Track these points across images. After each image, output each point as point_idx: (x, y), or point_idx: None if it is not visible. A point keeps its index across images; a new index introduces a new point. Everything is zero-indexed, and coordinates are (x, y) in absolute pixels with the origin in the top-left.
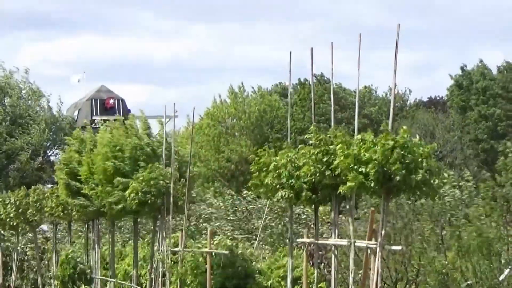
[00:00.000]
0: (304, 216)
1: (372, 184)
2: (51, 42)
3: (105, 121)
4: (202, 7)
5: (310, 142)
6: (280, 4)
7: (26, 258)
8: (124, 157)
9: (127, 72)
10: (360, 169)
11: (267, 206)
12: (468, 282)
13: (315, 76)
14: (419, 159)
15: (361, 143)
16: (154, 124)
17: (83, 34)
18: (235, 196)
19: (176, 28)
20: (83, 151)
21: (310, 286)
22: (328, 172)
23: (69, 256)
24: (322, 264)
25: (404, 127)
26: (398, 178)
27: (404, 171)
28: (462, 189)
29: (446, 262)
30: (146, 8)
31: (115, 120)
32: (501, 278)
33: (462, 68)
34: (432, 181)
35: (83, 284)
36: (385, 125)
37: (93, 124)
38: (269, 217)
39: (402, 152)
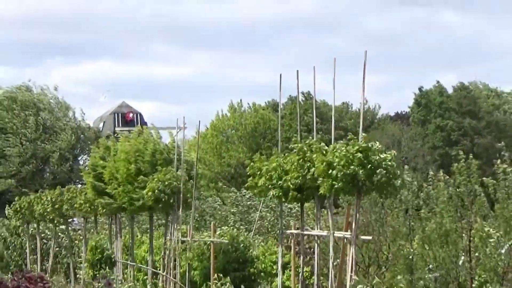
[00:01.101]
0: (295, 211)
1: (341, 185)
2: (76, 66)
3: (128, 131)
4: (203, 37)
5: (294, 150)
6: (269, 35)
7: (60, 246)
8: (144, 161)
9: (141, 90)
10: (330, 174)
11: (261, 203)
12: (430, 266)
13: (302, 94)
14: (378, 163)
15: (334, 151)
16: (164, 134)
17: (102, 59)
18: (237, 193)
19: (180, 54)
20: (106, 157)
21: (297, 270)
22: (309, 176)
23: (97, 243)
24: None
25: (364, 134)
26: (360, 178)
27: (365, 173)
28: (428, 188)
29: (412, 250)
30: (155, 37)
31: (129, 131)
32: (460, 262)
33: (419, 89)
34: (392, 182)
35: (107, 267)
36: (351, 135)
37: (115, 134)
38: (265, 210)
39: (361, 156)
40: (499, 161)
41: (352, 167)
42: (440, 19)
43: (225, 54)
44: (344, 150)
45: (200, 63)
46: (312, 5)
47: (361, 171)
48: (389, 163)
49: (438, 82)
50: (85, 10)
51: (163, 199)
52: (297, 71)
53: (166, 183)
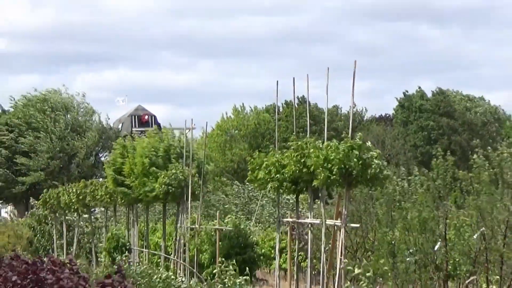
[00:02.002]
0: (292, 201)
1: (337, 178)
2: (97, 74)
3: (141, 132)
4: (208, 48)
5: (292, 147)
6: (267, 46)
7: (83, 233)
8: (158, 156)
9: (155, 95)
10: (327, 167)
11: (261, 194)
12: (410, 251)
13: (298, 98)
14: (371, 159)
15: (328, 148)
16: (175, 133)
17: (120, 68)
18: (240, 186)
19: (189, 63)
20: (125, 154)
21: (293, 253)
22: (305, 170)
23: (114, 233)
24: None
25: (360, 133)
26: (355, 172)
27: (360, 167)
28: (410, 182)
29: (394, 236)
30: (166, 49)
31: (142, 132)
32: (435, 248)
33: (404, 93)
34: (379, 176)
35: (123, 254)
36: (345, 134)
37: (132, 134)
38: (265, 199)
39: (358, 153)
40: (475, 156)
41: (349, 162)
42: (420, 32)
43: (228, 63)
44: (341, 147)
45: (206, 71)
46: (305, 20)
47: (349, 166)
48: (376, 159)
49: (419, 87)
50: (105, 25)
51: (171, 192)
52: (293, 78)
53: (174, 177)
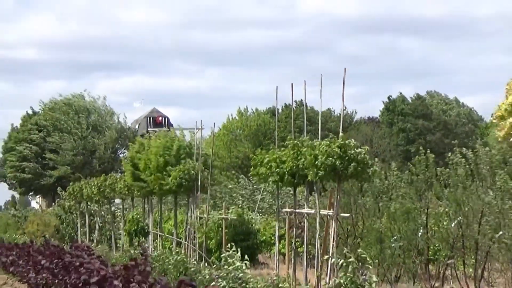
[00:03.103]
0: (290, 194)
1: (323, 173)
2: (116, 80)
3: (155, 131)
4: (215, 56)
5: (289, 146)
6: (268, 55)
7: (104, 222)
8: (171, 154)
9: (168, 99)
10: (316, 164)
11: (263, 187)
12: (395, 237)
13: (295, 101)
14: (354, 156)
15: (318, 146)
16: (186, 133)
17: (136, 74)
18: (245, 179)
19: (197, 70)
20: (141, 151)
21: (290, 240)
22: (301, 166)
23: (134, 216)
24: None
25: (341, 134)
26: (339, 168)
27: (342, 164)
28: (394, 176)
29: (381, 224)
30: (177, 57)
31: (154, 132)
32: (419, 235)
33: (388, 98)
34: (366, 170)
35: (142, 237)
36: (333, 135)
37: (148, 134)
38: (265, 193)
39: (339, 151)
40: (451, 154)
41: (331, 159)
42: (400, 43)
43: (233, 70)
44: (327, 146)
45: (213, 77)
46: (300, 32)
47: (338, 162)
48: (363, 156)
49: (400, 93)
50: (122, 36)
51: (184, 185)
52: (292, 84)
53: (186, 172)
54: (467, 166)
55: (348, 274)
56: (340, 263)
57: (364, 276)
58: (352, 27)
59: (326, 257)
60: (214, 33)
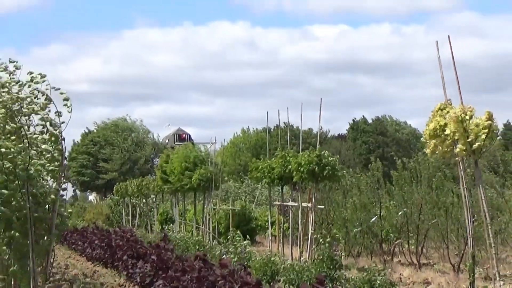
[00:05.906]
0: (279, 191)
1: (305, 176)
2: (148, 107)
3: (179, 145)
4: (221, 89)
5: (278, 156)
6: (260, 89)
7: (142, 211)
8: (190, 162)
9: (189, 121)
10: (300, 170)
11: (260, 186)
12: (356, 224)
13: (284, 123)
14: (327, 163)
15: (301, 156)
16: (201, 146)
17: (164, 103)
18: (248, 180)
19: (208, 100)
20: (169, 160)
21: (280, 225)
22: (287, 170)
23: (164, 209)
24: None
25: (318, 147)
26: (316, 172)
27: (319, 169)
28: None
29: (346, 214)
30: (193, 90)
31: (179, 146)
32: (371, 221)
33: (353, 120)
34: (336, 174)
35: (169, 223)
36: (311, 148)
37: (174, 147)
38: (264, 189)
39: (317, 160)
40: (399, 161)
41: (310, 165)
42: (358, 80)
43: (235, 100)
44: (307, 156)
45: (221, 105)
46: (282, 71)
47: (316, 168)
48: (334, 163)
49: (363, 116)
50: (153, 74)
51: (201, 184)
52: (278, 110)
53: (203, 174)
54: (411, 170)
55: (325, 249)
56: (320, 241)
57: (336, 251)
58: (322, 67)
59: (305, 237)
60: (220, 73)
